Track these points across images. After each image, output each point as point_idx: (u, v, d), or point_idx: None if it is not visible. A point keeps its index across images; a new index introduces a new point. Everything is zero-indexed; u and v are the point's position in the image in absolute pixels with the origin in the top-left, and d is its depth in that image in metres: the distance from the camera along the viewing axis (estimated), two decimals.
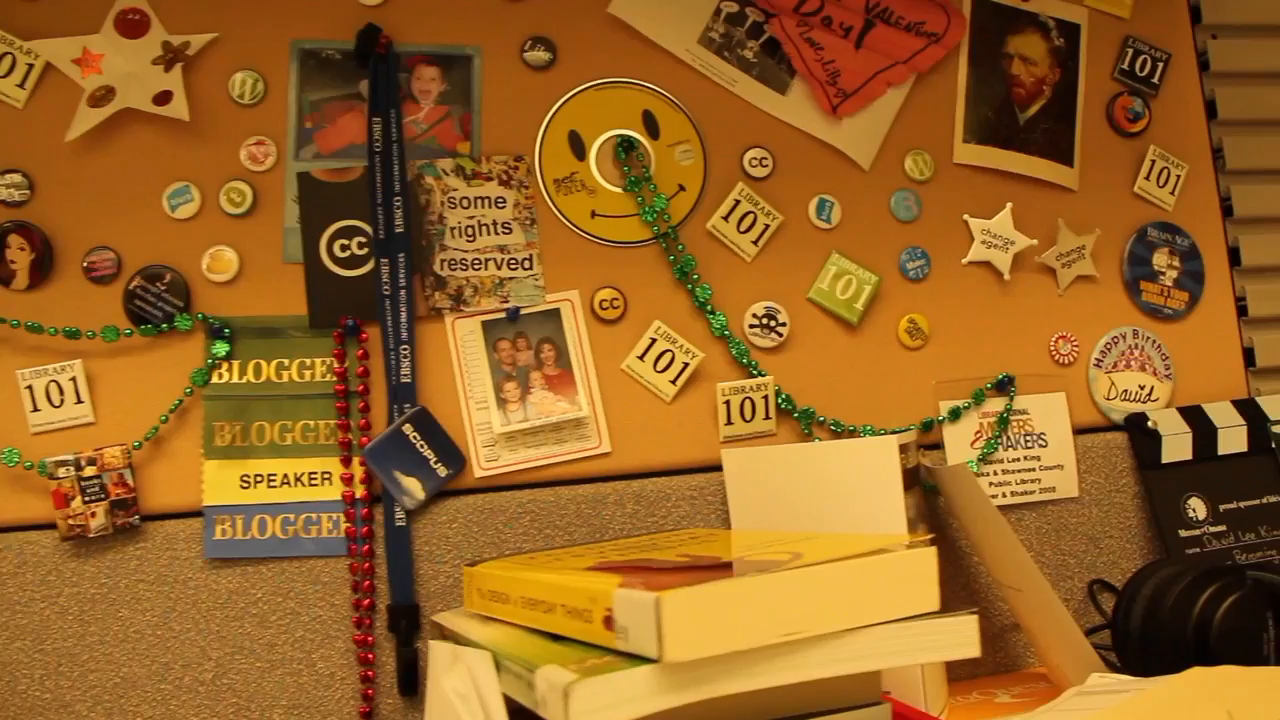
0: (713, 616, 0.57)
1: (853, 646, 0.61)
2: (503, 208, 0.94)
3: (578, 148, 0.96)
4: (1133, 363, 1.06)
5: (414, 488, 0.89)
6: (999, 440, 0.99)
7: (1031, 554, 1.00)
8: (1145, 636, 0.86)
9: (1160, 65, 1.10)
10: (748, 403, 0.95)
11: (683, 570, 0.64)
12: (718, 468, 0.94)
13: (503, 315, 0.93)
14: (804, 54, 1.00)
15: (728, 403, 0.94)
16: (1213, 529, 1.02)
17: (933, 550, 0.65)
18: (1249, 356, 1.11)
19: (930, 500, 0.97)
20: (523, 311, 0.93)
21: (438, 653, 0.74)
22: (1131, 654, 0.87)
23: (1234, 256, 1.12)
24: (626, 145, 0.96)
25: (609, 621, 0.60)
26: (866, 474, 0.84)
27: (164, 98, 0.89)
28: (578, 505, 0.92)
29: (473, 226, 0.94)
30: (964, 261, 1.02)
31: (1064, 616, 0.84)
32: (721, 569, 0.62)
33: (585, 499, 0.92)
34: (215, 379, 0.89)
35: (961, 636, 0.65)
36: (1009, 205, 1.03)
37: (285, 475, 0.89)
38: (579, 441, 0.93)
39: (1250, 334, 1.12)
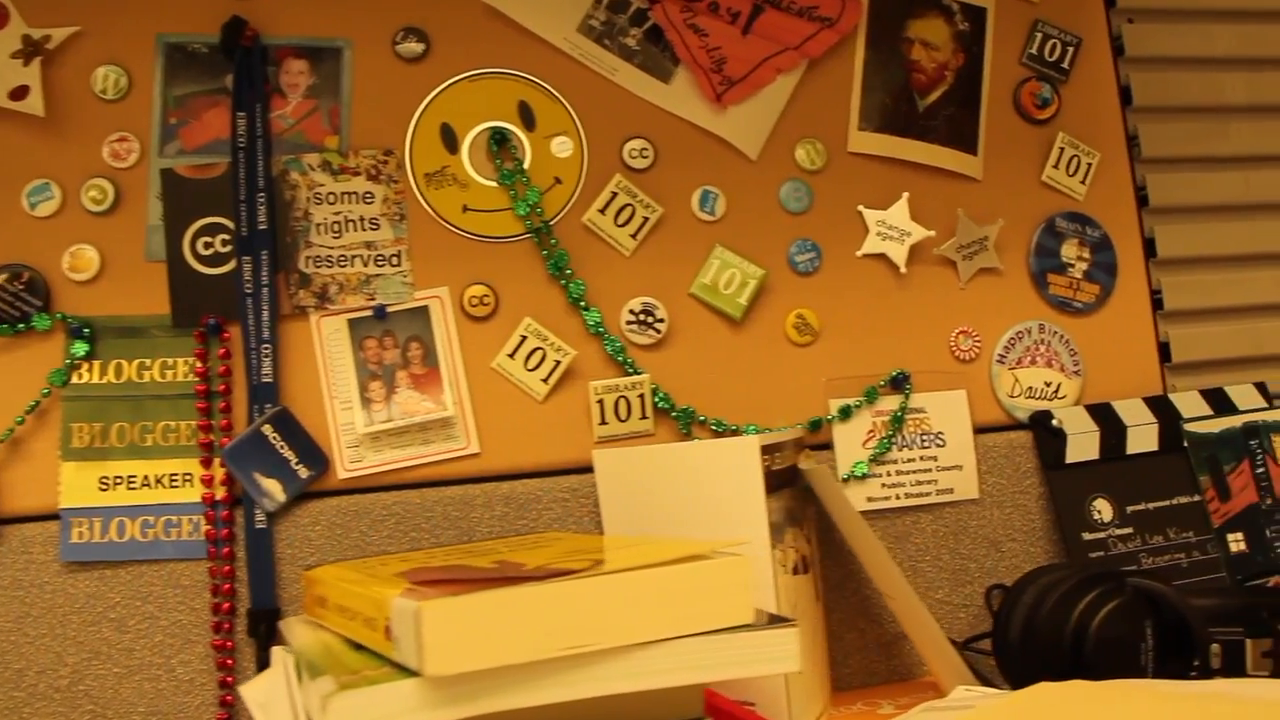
0: (478, 628, 0.54)
1: (650, 661, 0.58)
2: (370, 203, 0.92)
3: (450, 141, 0.94)
4: (1038, 358, 1.01)
5: (274, 489, 0.87)
6: (893, 440, 0.96)
7: (928, 558, 0.96)
8: (1024, 645, 0.82)
9: (1071, 50, 1.06)
10: (623, 402, 0.92)
11: (486, 580, 0.62)
12: (592, 469, 0.92)
13: (369, 313, 0.91)
14: (688, 41, 0.97)
15: (601, 402, 0.91)
16: (1119, 531, 0.98)
17: (743, 560, 0.62)
18: (1165, 352, 1.07)
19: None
20: (390, 309, 0.91)
21: (275, 659, 0.72)
22: (1012, 664, 0.83)
23: (1150, 248, 1.08)
24: (499, 138, 0.93)
25: (388, 631, 0.57)
26: (728, 476, 0.80)
27: (20, 93, 0.88)
28: (445, 507, 0.89)
29: (339, 223, 0.91)
30: (858, 254, 0.99)
31: (931, 624, 0.80)
32: (518, 579, 0.59)
33: (453, 501, 0.90)
34: (75, 379, 0.87)
35: (780, 650, 0.62)
36: (905, 195, 0.99)
37: (145, 477, 0.87)
38: (446, 442, 0.90)
39: (1166, 328, 1.07)
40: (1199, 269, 1.09)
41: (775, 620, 0.62)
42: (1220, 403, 1.05)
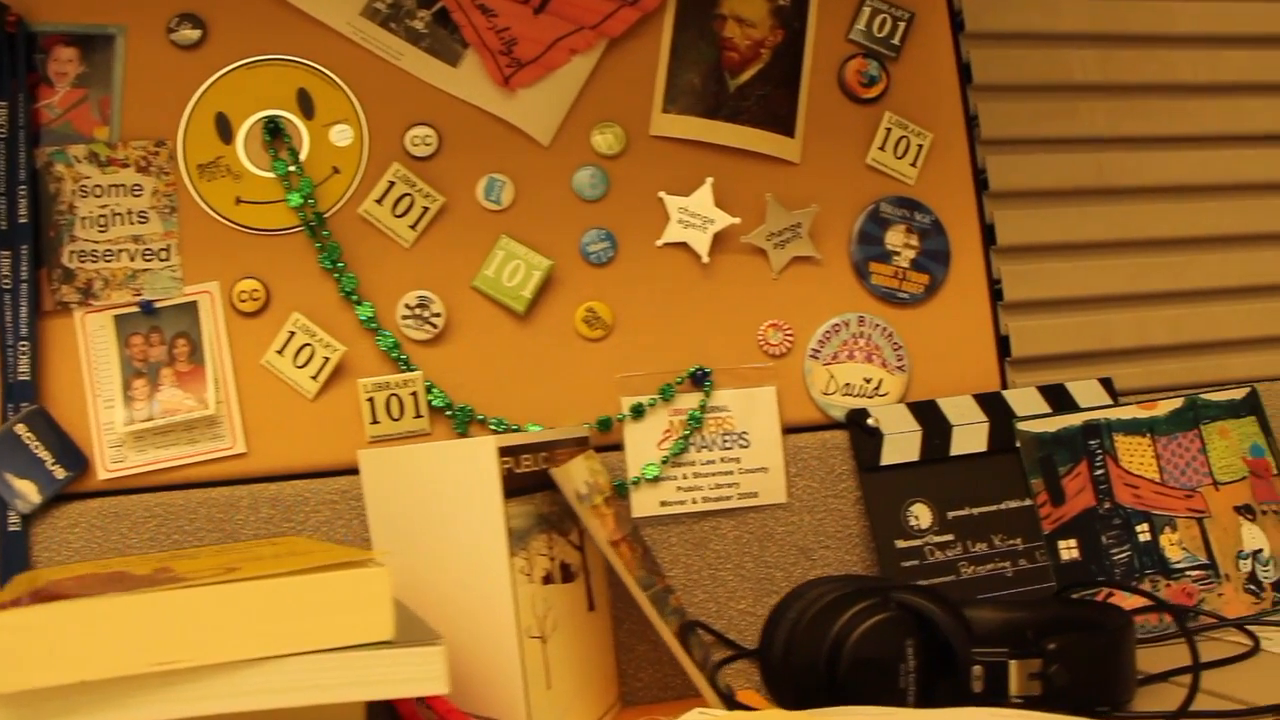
0: (48, 643, 0.51)
1: (258, 679, 0.55)
2: (140, 196, 0.89)
3: (225, 131, 0.90)
4: (857, 353, 0.95)
5: (28, 491, 0.85)
6: (690, 440, 0.91)
7: (730, 566, 0.91)
8: (785, 665, 0.76)
9: (903, 25, 0.99)
10: (394, 400, 0.88)
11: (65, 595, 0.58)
12: None
13: (136, 309, 0.88)
14: (475, 22, 0.92)
15: (371, 400, 0.88)
16: (937, 539, 0.92)
17: (382, 572, 0.58)
18: (1005, 345, 1.00)
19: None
20: (157, 305, 0.88)
21: None
22: (777, 684, 0.77)
23: (989, 234, 1.01)
24: (273, 128, 0.90)
25: None
26: (466, 479, 0.76)
27: None
28: (208, 509, 0.86)
29: (106, 216, 0.89)
30: (658, 243, 0.94)
31: (670, 641, 0.75)
32: (100, 592, 0.55)
33: (217, 503, 0.86)
34: None
35: (424, 670, 0.58)
36: (709, 180, 0.94)
37: None
38: (212, 442, 0.87)
39: (1007, 320, 1.00)
40: (1043, 257, 1.02)
41: (421, 638, 0.58)
42: (1060, 400, 0.98)
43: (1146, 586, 0.93)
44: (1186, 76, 1.07)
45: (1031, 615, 0.84)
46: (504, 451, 0.79)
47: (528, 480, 0.79)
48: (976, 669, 0.72)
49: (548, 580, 0.80)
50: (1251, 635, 0.88)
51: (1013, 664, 0.72)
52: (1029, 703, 0.72)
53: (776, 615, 0.78)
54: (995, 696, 0.71)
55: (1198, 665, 0.74)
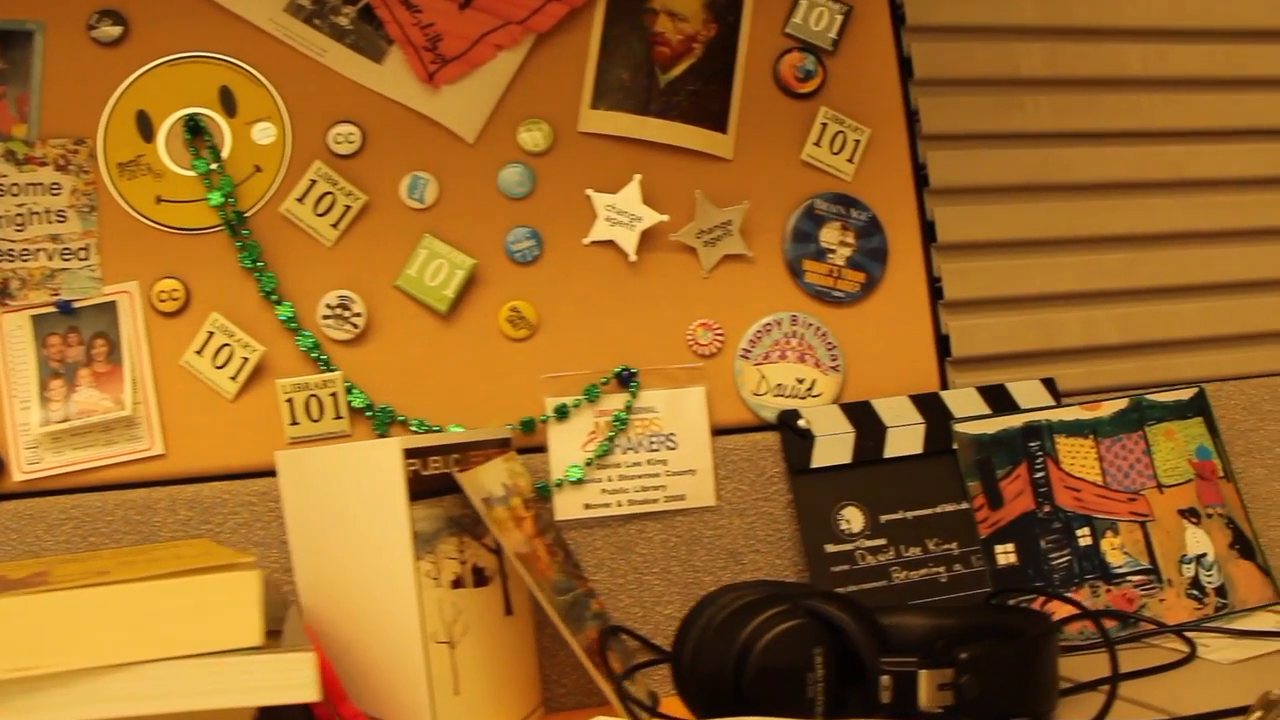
0: None
1: (110, 687, 0.54)
2: (58, 194, 0.88)
3: (146, 129, 0.89)
4: (789, 353, 0.94)
5: None
6: (616, 442, 0.89)
7: (656, 570, 0.90)
8: (695, 672, 0.75)
9: (840, 19, 0.97)
10: (314, 401, 0.87)
11: None
12: None
13: (54, 309, 0.87)
14: (399, 17, 0.91)
15: (290, 401, 0.86)
16: (869, 543, 0.90)
17: (251, 576, 0.57)
18: (945, 345, 0.98)
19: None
20: (76, 304, 0.87)
21: None
22: (688, 692, 0.76)
23: (929, 232, 0.99)
24: (193, 126, 0.89)
25: None
26: (372, 481, 0.75)
27: None
28: (125, 511, 0.85)
29: (23, 215, 0.88)
30: (585, 242, 0.92)
31: (575, 647, 0.74)
32: None
33: (134, 504, 0.86)
34: None
35: (292, 677, 0.57)
36: (637, 177, 0.92)
37: None
38: (130, 443, 0.86)
39: (947, 319, 0.98)
40: (986, 254, 1.00)
41: (289, 644, 0.57)
42: (1000, 400, 0.96)
43: (1086, 592, 0.91)
44: (1137, 70, 1.05)
45: (954, 623, 0.83)
46: (411, 453, 0.78)
47: (437, 482, 0.78)
48: (885, 679, 0.70)
49: (457, 584, 0.79)
50: (1189, 642, 0.86)
51: (923, 674, 0.70)
52: (941, 714, 0.70)
53: (688, 621, 0.76)
54: (904, 708, 0.70)
55: (1116, 676, 0.72)
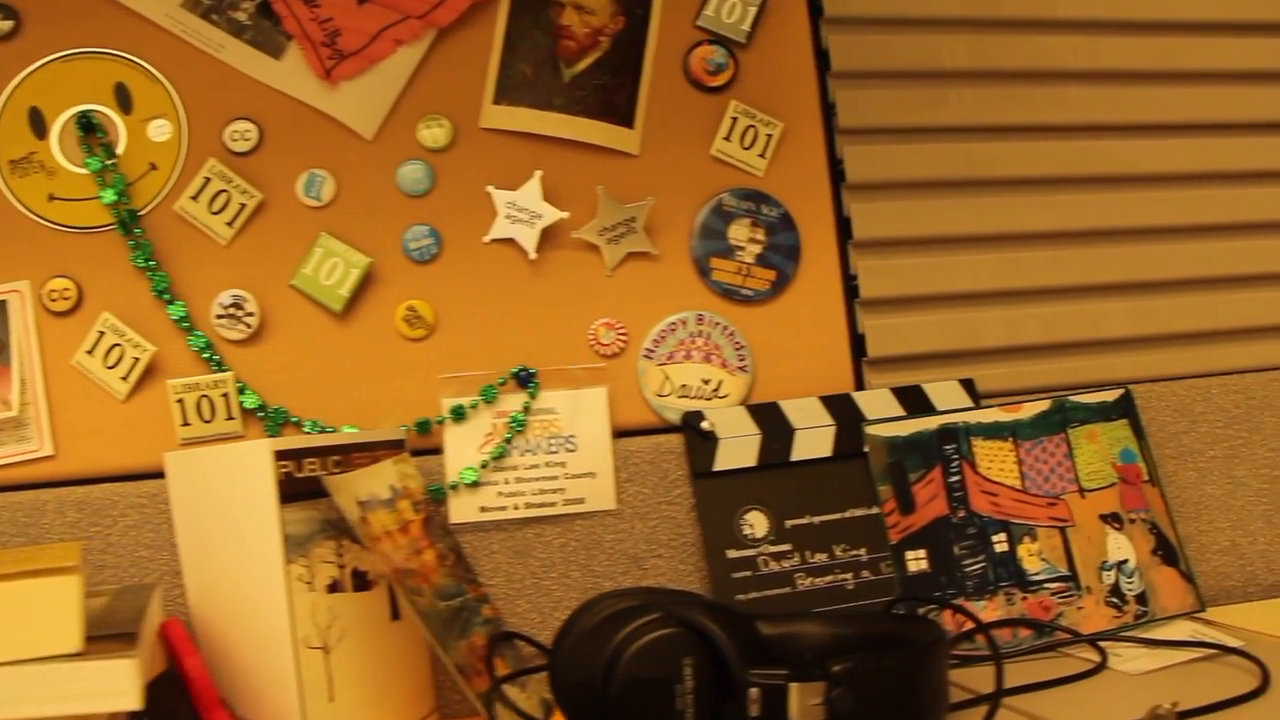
0: None
1: None
2: None
3: (38, 126, 0.88)
4: (694, 353, 0.91)
5: None
6: (514, 443, 0.88)
7: (555, 575, 0.88)
8: (566, 682, 0.73)
9: (753, 11, 0.95)
10: (205, 401, 0.86)
11: None
12: None
13: None
14: (297, 13, 0.89)
15: (181, 401, 0.85)
16: (772, 549, 0.88)
17: (70, 580, 0.56)
18: (861, 345, 0.96)
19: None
20: None
21: None
22: (563, 701, 0.74)
23: (846, 228, 0.96)
24: (86, 123, 0.88)
25: None
26: (245, 483, 0.74)
27: None
28: (12, 513, 0.84)
29: None
30: (485, 240, 0.91)
31: (442, 655, 0.72)
32: None
33: (22, 507, 0.84)
34: None
35: (112, 684, 0.56)
36: (538, 174, 0.90)
37: None
38: (19, 444, 0.85)
39: (864, 318, 0.96)
40: (905, 252, 0.97)
41: (117, 650, 0.56)
42: (915, 402, 0.93)
43: (1001, 600, 0.89)
44: (1067, 63, 1.01)
45: (848, 632, 0.81)
46: (285, 455, 0.76)
47: (313, 485, 0.77)
48: (753, 692, 0.68)
49: (334, 589, 0.78)
50: (1101, 651, 0.83)
51: (793, 687, 0.68)
52: None
53: (564, 629, 0.75)
54: None
55: (999, 692, 0.70)
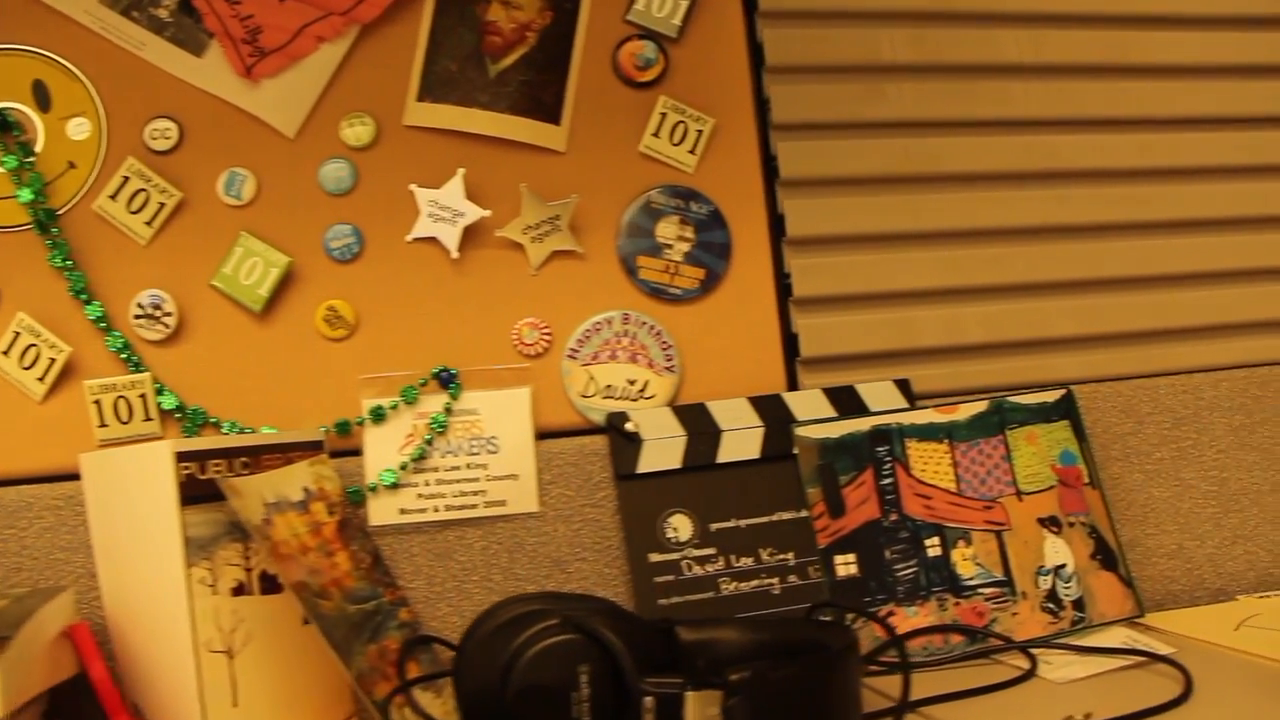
0: None
1: None
2: None
3: None
4: (619, 353, 0.90)
5: None
6: (435, 445, 0.86)
7: (476, 578, 0.87)
8: (466, 688, 0.71)
9: (685, 5, 0.93)
10: (123, 402, 0.85)
11: None
12: None
13: None
14: (218, 10, 0.88)
15: (98, 402, 0.84)
16: (697, 552, 0.86)
17: None
18: (794, 344, 0.94)
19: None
20: None
21: None
22: (465, 706, 0.72)
23: (779, 226, 0.94)
24: (2, 121, 0.87)
25: None
26: (148, 485, 0.73)
27: None
28: None
29: None
30: (408, 239, 0.89)
31: (340, 666, 0.71)
32: None
33: None
34: None
35: None
36: (460, 172, 0.89)
37: None
38: None
39: (797, 317, 0.94)
40: (841, 249, 0.95)
41: None
42: (847, 403, 0.91)
43: (933, 605, 0.87)
44: (1010, 57, 0.99)
45: (764, 638, 0.79)
46: (188, 456, 0.75)
47: (209, 488, 0.76)
48: (648, 701, 0.66)
49: (239, 591, 0.77)
50: (1031, 658, 0.81)
51: (690, 696, 0.66)
52: None
53: (467, 634, 0.73)
54: None
55: (904, 704, 0.68)
